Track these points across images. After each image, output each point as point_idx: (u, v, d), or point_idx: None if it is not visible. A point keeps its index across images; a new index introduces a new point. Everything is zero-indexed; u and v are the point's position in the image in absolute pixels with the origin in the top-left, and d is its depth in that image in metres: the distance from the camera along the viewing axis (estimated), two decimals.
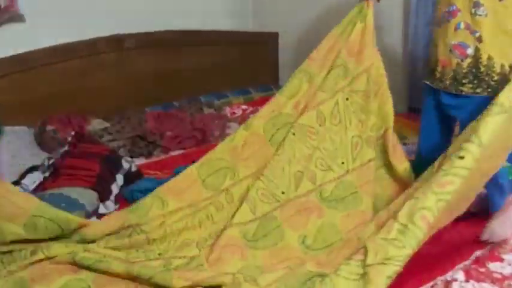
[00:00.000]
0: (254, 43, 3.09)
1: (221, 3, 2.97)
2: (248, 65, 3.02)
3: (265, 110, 1.78)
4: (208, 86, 2.83)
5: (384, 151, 1.76)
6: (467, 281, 1.42)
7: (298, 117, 1.77)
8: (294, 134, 1.75)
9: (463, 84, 1.55)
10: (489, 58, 1.51)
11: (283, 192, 1.71)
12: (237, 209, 1.70)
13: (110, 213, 1.73)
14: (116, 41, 2.52)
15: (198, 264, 1.57)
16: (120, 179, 1.90)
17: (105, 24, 2.43)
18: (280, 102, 1.78)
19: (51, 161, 1.86)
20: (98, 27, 2.40)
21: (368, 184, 1.73)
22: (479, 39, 1.50)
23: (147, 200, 1.69)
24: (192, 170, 1.71)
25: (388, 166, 1.76)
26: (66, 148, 1.91)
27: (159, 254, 1.62)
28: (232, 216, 1.68)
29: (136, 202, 1.67)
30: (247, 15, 3.15)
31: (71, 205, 1.61)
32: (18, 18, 2.21)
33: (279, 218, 1.67)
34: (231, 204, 1.72)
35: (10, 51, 2.18)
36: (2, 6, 2.14)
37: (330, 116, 1.77)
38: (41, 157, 1.95)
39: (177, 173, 1.78)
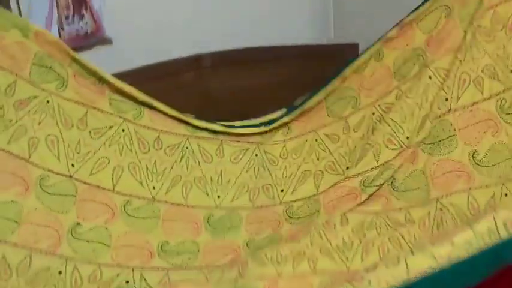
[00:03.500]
0: (333, 55, 3.13)
1: (300, 16, 3.14)
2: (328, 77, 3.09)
3: (399, 42, 1.89)
4: (286, 101, 2.87)
5: None
6: None
7: (433, 57, 1.83)
8: (430, 78, 1.82)
9: None
10: None
11: (407, 138, 1.82)
12: (360, 156, 1.87)
13: None
14: (195, 61, 2.68)
15: (315, 210, 1.83)
16: None
17: (184, 44, 2.64)
18: (415, 36, 1.86)
19: None
20: (177, 47, 2.60)
21: None
22: None
23: None
24: (320, 96, 1.93)
25: None
26: None
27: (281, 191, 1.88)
28: (356, 164, 1.86)
29: None
30: (327, 28, 3.29)
31: None
32: (105, 41, 2.46)
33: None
34: (347, 134, 1.91)
35: None
36: (89, 31, 2.43)
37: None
38: None
39: None
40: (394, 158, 1.82)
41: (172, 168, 1.89)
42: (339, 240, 1.70)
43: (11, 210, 1.63)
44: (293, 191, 1.93)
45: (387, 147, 1.85)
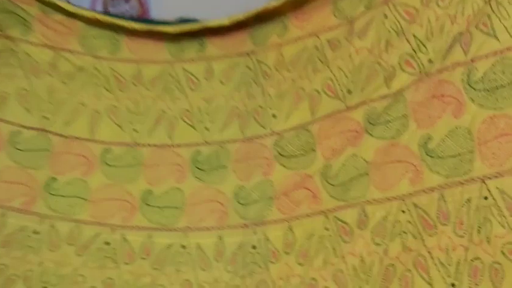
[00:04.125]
0: None
1: None
2: None
3: None
4: None
5: None
6: None
7: None
8: None
9: None
10: None
11: (430, 61, 1.32)
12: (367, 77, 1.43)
13: None
14: None
15: (309, 149, 1.48)
16: None
17: None
18: None
19: None
20: None
21: None
22: None
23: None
24: None
25: None
26: None
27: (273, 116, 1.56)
28: (361, 87, 1.44)
29: None
30: None
31: None
32: None
33: (408, 101, 1.32)
34: (349, 41, 1.49)
35: None
36: (135, 15, 2.28)
37: None
38: None
39: None
40: (409, 86, 1.33)
41: (155, 104, 1.65)
42: (356, 257, 1.34)
43: None
44: (286, 116, 1.55)
45: (404, 70, 1.36)
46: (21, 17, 1.63)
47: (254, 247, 1.49)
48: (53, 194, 1.59)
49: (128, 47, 1.66)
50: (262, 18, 1.58)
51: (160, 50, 1.65)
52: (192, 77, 1.64)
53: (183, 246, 1.54)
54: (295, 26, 1.58)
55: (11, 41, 1.63)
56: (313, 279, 1.39)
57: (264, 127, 1.58)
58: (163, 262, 1.52)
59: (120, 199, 1.59)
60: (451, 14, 1.28)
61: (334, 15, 1.52)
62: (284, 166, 1.52)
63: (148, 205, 1.59)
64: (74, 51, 1.64)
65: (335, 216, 1.40)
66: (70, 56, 1.64)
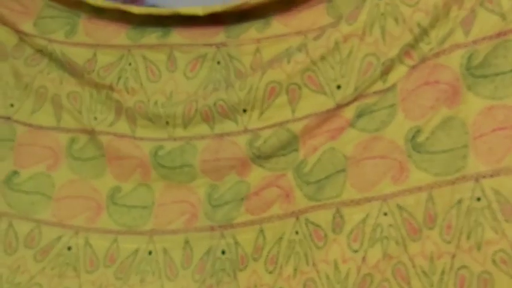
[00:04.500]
0: None
1: None
2: None
3: None
4: None
5: None
6: None
7: None
8: None
9: None
10: None
11: (431, 50, 1.15)
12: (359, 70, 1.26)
13: None
14: None
15: (291, 149, 1.31)
16: None
17: None
18: None
19: None
20: None
21: None
22: None
23: None
24: None
25: None
26: None
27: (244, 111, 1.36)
28: (353, 82, 1.26)
29: None
30: None
31: None
32: None
33: (398, 89, 1.18)
34: (336, 28, 1.30)
35: None
36: None
37: None
38: None
39: None
40: (407, 78, 1.16)
41: (111, 94, 1.46)
42: (330, 265, 1.19)
43: None
44: (260, 113, 1.35)
45: (402, 62, 1.19)
46: None
47: (223, 252, 1.31)
48: (14, 190, 1.45)
49: (85, 29, 1.49)
50: (242, 13, 1.39)
51: (119, 34, 1.47)
52: (153, 67, 1.45)
53: (150, 252, 1.36)
54: (280, 21, 1.37)
55: None
56: None
57: (235, 122, 1.38)
58: (128, 271, 1.35)
59: (85, 197, 1.44)
60: None
61: (327, 13, 1.32)
62: (260, 166, 1.34)
63: (116, 204, 1.43)
64: (27, 34, 1.49)
65: (307, 219, 1.24)
66: (26, 38, 1.50)
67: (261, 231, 1.29)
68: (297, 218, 1.25)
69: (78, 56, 1.48)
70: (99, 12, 1.46)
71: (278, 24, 1.37)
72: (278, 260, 1.25)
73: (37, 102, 1.49)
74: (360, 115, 1.21)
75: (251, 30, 1.38)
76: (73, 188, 1.44)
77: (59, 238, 1.39)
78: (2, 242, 1.40)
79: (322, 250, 1.19)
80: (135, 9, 1.43)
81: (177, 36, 1.43)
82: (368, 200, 1.16)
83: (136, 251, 1.37)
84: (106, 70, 1.46)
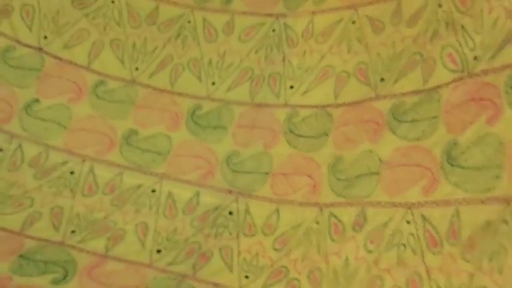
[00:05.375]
0: None
1: None
2: None
3: None
4: None
5: None
6: None
7: None
8: None
9: None
10: None
11: (476, 58, 1.13)
12: (403, 68, 1.30)
13: None
14: None
15: (322, 132, 1.36)
16: None
17: None
18: None
19: None
20: None
21: None
22: None
23: None
24: None
25: None
26: None
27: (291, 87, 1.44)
28: (395, 78, 1.30)
29: None
30: None
31: None
32: None
33: (444, 101, 1.17)
34: (396, 26, 1.36)
35: None
36: None
37: None
38: None
39: None
40: (447, 85, 1.16)
41: (164, 47, 1.52)
42: (341, 259, 1.17)
43: None
44: (305, 91, 1.41)
45: (445, 65, 1.19)
46: None
47: (231, 213, 1.33)
48: (31, 116, 1.45)
49: None
50: None
51: None
52: (211, 28, 1.52)
53: (153, 191, 1.36)
54: None
55: None
56: (285, 267, 1.22)
57: (277, 97, 1.43)
58: (125, 200, 1.34)
59: (100, 132, 1.43)
60: (507, 7, 1.11)
61: None
62: (289, 143, 1.38)
63: (130, 144, 1.42)
64: None
65: (331, 212, 1.24)
66: None
67: (276, 210, 1.30)
68: (321, 210, 1.26)
69: (142, 7, 1.55)
70: None
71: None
72: (289, 242, 1.25)
73: (72, 40, 1.53)
74: (400, 120, 1.23)
75: (308, 3, 1.48)
76: (89, 122, 1.46)
77: (64, 163, 1.39)
78: (7, 160, 1.38)
79: (337, 244, 1.19)
80: None
81: (239, 2, 1.52)
82: (394, 205, 1.15)
83: (139, 186, 1.37)
84: (167, 25, 1.53)
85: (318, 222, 1.24)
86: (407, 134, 1.20)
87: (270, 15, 1.50)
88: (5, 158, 1.38)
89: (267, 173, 1.35)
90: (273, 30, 1.49)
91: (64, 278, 1.19)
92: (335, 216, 1.23)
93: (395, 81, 1.28)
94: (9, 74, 1.48)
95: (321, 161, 1.32)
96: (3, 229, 1.26)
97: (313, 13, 1.47)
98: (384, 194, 1.17)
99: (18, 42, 1.51)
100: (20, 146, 1.40)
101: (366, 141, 1.26)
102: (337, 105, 1.36)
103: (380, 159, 1.21)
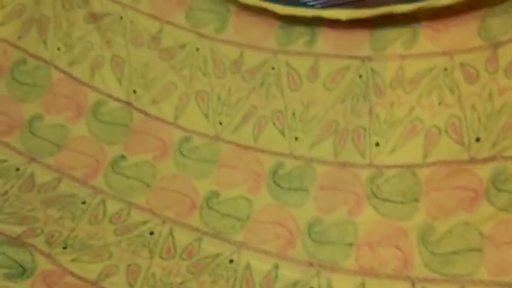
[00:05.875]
0: None
1: None
2: None
3: None
4: None
5: None
6: None
7: None
8: None
9: None
10: None
11: None
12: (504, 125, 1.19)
13: None
14: None
15: (411, 198, 1.24)
16: None
17: None
18: None
19: None
20: None
21: None
22: None
23: None
24: None
25: None
26: None
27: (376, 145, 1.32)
28: (494, 137, 1.20)
29: None
30: None
31: None
32: None
33: None
34: (492, 75, 1.25)
35: None
36: None
37: None
38: None
39: None
40: None
41: (248, 97, 1.45)
42: None
43: (56, 134, 1.52)
44: (392, 149, 1.28)
45: None
46: None
47: None
48: (117, 172, 1.45)
49: (235, 26, 1.49)
50: (387, 20, 1.34)
51: (268, 36, 1.46)
52: (295, 74, 1.43)
53: (231, 261, 1.29)
54: (428, 37, 1.32)
55: (121, 6, 1.57)
56: None
57: (362, 155, 1.32)
58: (202, 269, 1.28)
59: (182, 193, 1.40)
60: None
61: (479, 35, 1.26)
62: (376, 210, 1.25)
63: (210, 208, 1.37)
64: (178, 25, 1.52)
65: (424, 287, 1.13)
66: (173, 30, 1.53)
67: (362, 284, 1.20)
68: (413, 285, 1.15)
69: (226, 54, 1.49)
70: (247, 7, 1.47)
71: (425, 41, 1.31)
72: None
73: (160, 94, 1.51)
74: (500, 189, 1.13)
75: (397, 44, 1.33)
76: (173, 182, 1.43)
77: (145, 222, 1.36)
78: (89, 213, 1.39)
79: None
80: (280, 8, 1.42)
81: (324, 43, 1.41)
82: (500, 284, 1.06)
83: (217, 255, 1.31)
84: (251, 73, 1.46)
85: None
86: (508, 206, 1.10)
87: (355, 57, 1.38)
88: (87, 211, 1.39)
89: (351, 244, 1.24)
90: (360, 76, 1.36)
91: None
92: None
93: (494, 144, 1.16)
94: (100, 130, 1.50)
95: (410, 231, 1.20)
96: (80, 277, 1.24)
97: (403, 57, 1.33)
98: (488, 274, 1.07)
99: (109, 96, 1.53)
100: (103, 201, 1.40)
101: (461, 211, 1.15)
102: (425, 165, 1.23)
103: (481, 234, 1.10)
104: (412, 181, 1.23)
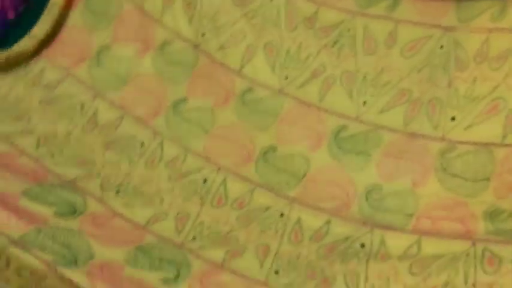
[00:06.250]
0: None
1: None
2: None
3: None
4: None
5: None
6: None
7: None
8: None
9: None
10: None
11: None
12: None
13: None
14: None
15: (483, 177, 1.23)
16: None
17: None
18: None
19: None
20: None
21: None
22: None
23: None
24: None
25: None
26: None
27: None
28: None
29: None
30: None
31: None
32: None
33: None
34: None
35: None
36: None
37: None
38: None
39: None
40: None
41: (318, 54, 1.42)
42: None
43: (122, 67, 1.53)
44: (469, 125, 1.24)
45: None
46: None
47: (363, 245, 1.22)
48: (177, 115, 1.46)
49: None
50: None
51: None
52: (371, 39, 1.38)
53: (282, 215, 1.30)
54: None
55: None
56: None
57: (435, 127, 1.28)
58: (252, 220, 1.30)
59: (239, 143, 1.40)
60: None
61: None
62: (442, 184, 1.23)
63: (266, 161, 1.37)
64: None
65: (485, 247, 1.14)
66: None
67: (418, 242, 1.20)
68: (474, 244, 1.15)
69: (300, 9, 1.46)
70: None
71: None
72: (430, 266, 1.15)
73: (229, 41, 1.50)
74: None
75: (485, 16, 1.28)
76: (232, 131, 1.43)
77: (199, 169, 1.38)
78: (146, 156, 1.41)
79: (490, 277, 1.11)
80: None
81: (407, 8, 1.36)
82: None
83: (268, 208, 1.32)
84: (325, 31, 1.42)
85: (468, 254, 1.14)
86: None
87: (438, 26, 1.32)
88: (145, 154, 1.41)
89: (410, 215, 1.22)
90: (441, 47, 1.31)
91: (175, 279, 1.19)
92: (490, 251, 1.12)
93: None
94: (165, 69, 1.51)
95: (476, 210, 1.18)
96: (129, 220, 1.29)
97: (490, 31, 1.27)
98: None
99: (177, 35, 1.52)
100: (161, 144, 1.42)
101: None
102: (504, 146, 1.20)
103: None
104: (488, 160, 1.20)
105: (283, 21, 1.46)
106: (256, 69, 1.46)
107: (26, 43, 1.55)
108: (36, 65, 1.55)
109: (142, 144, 1.42)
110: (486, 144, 1.22)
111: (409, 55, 1.34)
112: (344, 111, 1.36)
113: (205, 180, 1.36)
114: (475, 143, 1.23)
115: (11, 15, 1.64)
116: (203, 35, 1.50)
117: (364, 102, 1.35)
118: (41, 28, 1.56)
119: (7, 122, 1.42)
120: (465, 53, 1.29)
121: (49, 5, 1.56)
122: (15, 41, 1.57)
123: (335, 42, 1.41)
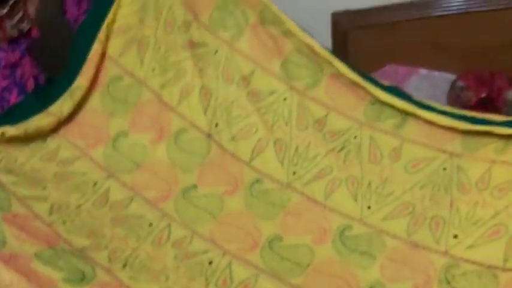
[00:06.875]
0: None
1: None
2: None
3: None
4: None
5: None
6: None
7: None
8: None
9: None
10: None
11: None
12: None
13: None
14: None
15: None
16: None
17: None
18: None
19: None
20: None
21: None
22: None
23: None
24: None
25: None
26: None
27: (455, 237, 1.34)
28: None
29: None
30: None
31: None
32: None
33: None
34: None
35: None
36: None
37: None
38: None
39: None
40: None
41: (325, 156, 1.51)
42: None
43: (137, 152, 1.60)
44: (471, 245, 1.31)
45: None
46: (237, 21, 1.64)
47: None
48: (186, 200, 1.51)
49: (326, 88, 1.57)
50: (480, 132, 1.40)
51: (357, 107, 1.53)
52: (377, 150, 1.49)
53: None
54: None
55: (219, 41, 1.64)
56: None
57: (438, 242, 1.35)
58: None
59: (246, 231, 1.45)
60: None
61: None
62: None
63: (272, 249, 1.41)
64: (271, 72, 1.60)
65: None
66: (265, 75, 1.60)
67: None
68: None
69: (310, 111, 1.56)
70: (341, 76, 1.54)
71: None
72: None
73: (241, 133, 1.59)
74: None
75: (489, 148, 1.38)
76: (239, 219, 1.48)
77: (205, 251, 1.41)
78: (153, 235, 1.44)
79: None
80: (379, 93, 1.49)
81: (413, 129, 1.46)
82: None
83: None
84: (333, 135, 1.52)
85: None
86: None
87: (444, 151, 1.43)
88: (152, 233, 1.44)
89: None
90: (444, 169, 1.41)
91: None
92: None
93: None
94: (177, 156, 1.57)
95: None
96: None
97: (493, 162, 1.37)
98: None
99: (192, 124, 1.59)
100: (169, 225, 1.46)
101: None
102: (506, 270, 1.26)
103: None
104: (492, 282, 1.25)
105: (294, 120, 1.56)
106: (265, 162, 1.54)
107: (44, 120, 1.61)
108: (53, 142, 1.61)
109: (150, 224, 1.46)
110: (489, 267, 1.27)
111: (412, 171, 1.44)
112: (348, 212, 1.43)
113: (210, 262, 1.39)
114: (478, 263, 1.29)
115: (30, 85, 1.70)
116: (216, 125, 1.59)
117: (369, 207, 1.43)
118: (60, 108, 1.63)
119: (25, 186, 1.44)
120: (467, 179, 1.38)
121: (73, 87, 1.63)
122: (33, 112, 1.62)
123: (342, 148, 1.51)
